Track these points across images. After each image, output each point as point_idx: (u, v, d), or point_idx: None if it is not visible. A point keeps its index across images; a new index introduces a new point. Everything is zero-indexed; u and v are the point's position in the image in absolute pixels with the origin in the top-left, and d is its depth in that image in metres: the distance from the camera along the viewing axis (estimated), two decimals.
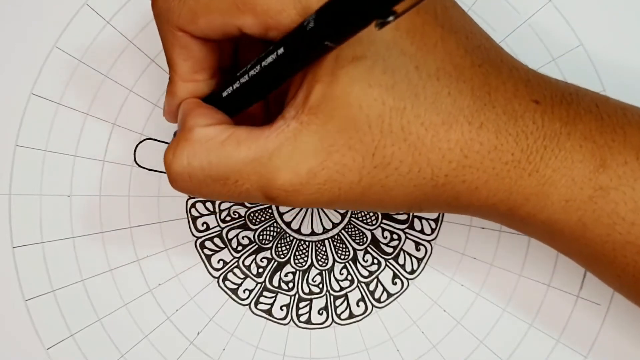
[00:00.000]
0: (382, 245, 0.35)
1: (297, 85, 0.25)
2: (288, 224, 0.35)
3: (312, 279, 0.35)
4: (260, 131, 0.25)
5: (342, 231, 0.35)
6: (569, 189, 0.25)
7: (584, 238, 0.26)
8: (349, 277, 0.35)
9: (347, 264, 0.35)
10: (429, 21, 0.25)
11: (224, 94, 0.27)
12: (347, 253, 0.35)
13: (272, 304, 0.35)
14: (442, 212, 0.28)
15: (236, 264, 0.35)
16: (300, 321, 0.35)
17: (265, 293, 0.35)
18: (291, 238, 0.35)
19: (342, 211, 0.35)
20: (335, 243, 0.35)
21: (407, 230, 0.35)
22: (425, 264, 0.34)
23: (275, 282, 0.35)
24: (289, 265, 0.35)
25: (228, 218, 0.35)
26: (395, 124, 0.24)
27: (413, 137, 0.24)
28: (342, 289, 0.35)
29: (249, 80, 0.25)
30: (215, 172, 0.25)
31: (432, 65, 0.24)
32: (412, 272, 0.34)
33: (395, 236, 0.35)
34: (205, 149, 0.25)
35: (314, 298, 0.35)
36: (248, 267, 0.35)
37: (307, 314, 0.35)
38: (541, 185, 0.25)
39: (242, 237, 0.35)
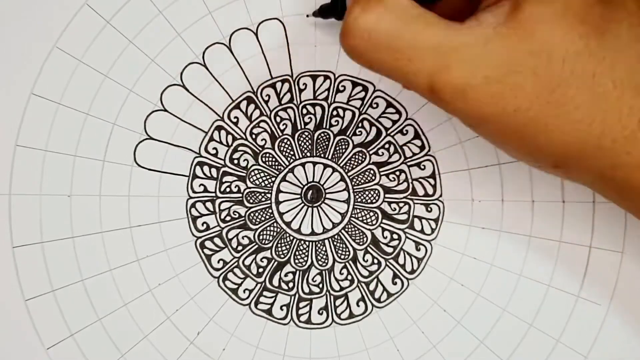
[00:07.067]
0: (382, 245, 0.35)
1: None
2: (288, 224, 0.35)
3: (312, 279, 0.35)
4: (450, 23, 0.25)
5: (342, 231, 0.35)
6: None
7: None
8: (349, 277, 0.35)
9: (347, 263, 0.35)
10: None
11: None
12: (347, 253, 0.35)
13: (272, 304, 0.35)
14: (589, 180, 0.27)
15: (236, 264, 0.35)
16: (300, 321, 0.35)
17: (265, 293, 0.35)
18: (291, 238, 0.35)
19: (342, 211, 0.35)
20: (335, 243, 0.35)
21: (407, 230, 0.35)
22: (425, 264, 0.34)
23: (275, 282, 0.35)
24: (289, 265, 0.35)
25: (228, 218, 0.35)
26: (588, 69, 0.24)
27: (599, 89, 0.24)
28: (342, 288, 0.35)
29: None
30: (394, 42, 0.25)
31: None
32: (412, 272, 0.34)
33: (395, 236, 0.35)
34: (395, 16, 0.25)
35: (314, 298, 0.35)
36: (248, 267, 0.35)
37: (307, 314, 0.35)
38: None
39: (242, 237, 0.35)
